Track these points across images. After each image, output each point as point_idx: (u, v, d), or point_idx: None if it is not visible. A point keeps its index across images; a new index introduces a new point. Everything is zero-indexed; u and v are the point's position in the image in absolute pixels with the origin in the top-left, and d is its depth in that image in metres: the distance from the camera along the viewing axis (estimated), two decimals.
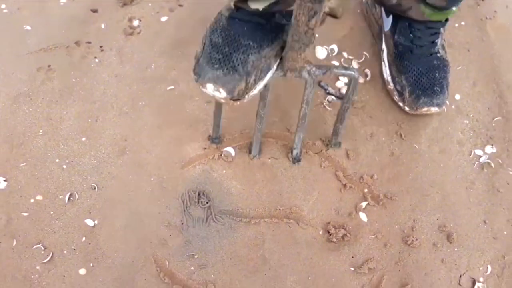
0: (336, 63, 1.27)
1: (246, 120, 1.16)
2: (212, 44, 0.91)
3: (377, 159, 1.14)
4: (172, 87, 1.21)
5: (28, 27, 1.30)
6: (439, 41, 1.19)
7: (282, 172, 1.11)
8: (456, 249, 1.05)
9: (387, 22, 1.24)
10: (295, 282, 1.00)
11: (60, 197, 1.06)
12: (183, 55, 1.27)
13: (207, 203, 1.05)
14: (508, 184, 1.13)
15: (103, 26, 1.32)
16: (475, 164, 1.15)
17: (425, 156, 1.15)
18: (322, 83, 1.22)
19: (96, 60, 1.25)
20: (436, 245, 1.05)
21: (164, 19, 1.34)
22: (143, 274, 0.98)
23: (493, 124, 1.21)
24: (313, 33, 0.82)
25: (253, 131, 1.08)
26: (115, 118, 1.16)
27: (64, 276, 0.98)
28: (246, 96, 0.91)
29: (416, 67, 1.17)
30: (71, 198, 1.06)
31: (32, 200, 1.05)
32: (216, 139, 1.12)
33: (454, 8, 1.11)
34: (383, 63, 1.24)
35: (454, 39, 1.34)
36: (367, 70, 1.26)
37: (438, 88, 1.14)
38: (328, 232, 1.04)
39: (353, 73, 0.98)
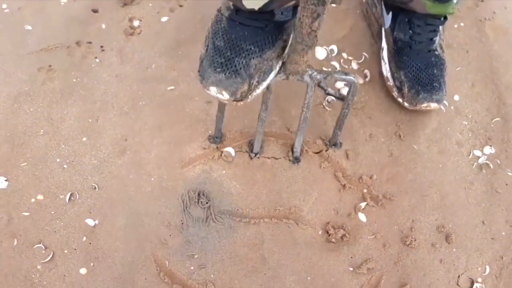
0: (335, 63, 1.28)
1: (246, 120, 1.17)
2: (215, 47, 0.94)
3: (376, 159, 1.15)
4: (172, 87, 1.22)
5: (29, 27, 1.30)
6: (437, 39, 1.19)
7: (281, 173, 1.11)
8: (454, 250, 1.05)
9: (387, 19, 1.24)
10: (294, 282, 1.00)
11: (61, 196, 1.06)
12: (184, 55, 1.27)
13: (206, 203, 1.06)
14: (506, 185, 1.13)
15: (103, 26, 1.32)
16: (474, 165, 1.16)
17: (424, 156, 1.16)
18: (322, 84, 1.23)
19: (97, 60, 1.26)
20: (435, 245, 1.05)
21: (164, 19, 1.34)
22: (143, 274, 0.99)
23: (492, 125, 1.21)
24: (316, 35, 0.84)
25: (253, 130, 1.09)
26: (115, 118, 1.17)
27: (64, 275, 0.98)
28: (250, 97, 0.94)
29: (415, 62, 1.17)
30: (72, 198, 1.06)
31: (33, 200, 1.06)
32: (217, 138, 1.12)
33: (454, 1, 1.11)
34: (382, 61, 1.25)
35: (453, 40, 1.34)
36: (366, 71, 1.27)
37: (437, 84, 1.14)
38: (327, 233, 1.05)
39: (352, 78, 1.00)
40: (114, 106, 1.18)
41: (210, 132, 1.14)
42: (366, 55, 1.30)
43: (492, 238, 1.07)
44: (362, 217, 1.08)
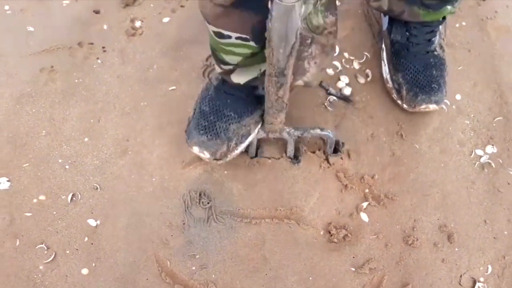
0: (337, 63, 1.27)
1: None
2: (201, 111, 1.07)
3: (378, 159, 1.15)
4: (174, 87, 1.22)
5: (31, 28, 1.31)
6: (436, 39, 1.19)
7: (282, 173, 1.11)
8: (456, 249, 1.05)
9: (385, 21, 1.24)
10: (296, 282, 1.00)
11: (63, 197, 1.07)
12: (185, 56, 1.27)
13: (208, 203, 1.06)
14: (508, 184, 1.13)
15: (105, 27, 1.32)
16: (476, 164, 1.15)
17: (425, 156, 1.15)
18: (323, 84, 1.23)
19: (99, 61, 1.26)
20: (437, 245, 1.05)
21: (166, 20, 1.34)
22: (144, 274, 0.99)
23: (494, 124, 1.21)
24: (283, 101, 0.94)
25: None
26: (117, 119, 1.17)
27: (66, 275, 0.99)
28: (228, 156, 1.05)
29: (412, 64, 1.17)
30: (74, 198, 1.07)
31: (35, 200, 1.06)
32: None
33: (449, 7, 1.11)
34: (382, 62, 1.25)
35: (455, 39, 1.34)
36: (368, 71, 1.27)
37: (435, 86, 1.14)
38: (329, 233, 1.05)
39: (328, 133, 1.10)
40: (115, 107, 1.19)
41: None
42: (368, 55, 1.30)
43: (494, 238, 1.07)
44: (364, 217, 1.08)
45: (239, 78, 1.02)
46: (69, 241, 1.02)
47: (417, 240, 1.05)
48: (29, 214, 1.05)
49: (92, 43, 1.29)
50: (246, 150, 1.13)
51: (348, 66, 1.28)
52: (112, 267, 1.00)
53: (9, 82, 1.21)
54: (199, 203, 1.06)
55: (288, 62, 0.82)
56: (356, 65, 1.28)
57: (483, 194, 1.12)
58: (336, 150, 1.15)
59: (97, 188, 1.08)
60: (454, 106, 1.23)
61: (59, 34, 1.30)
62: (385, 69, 1.23)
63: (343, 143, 1.15)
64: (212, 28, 0.88)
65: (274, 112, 0.99)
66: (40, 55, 1.26)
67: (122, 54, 1.27)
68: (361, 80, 1.25)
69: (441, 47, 1.21)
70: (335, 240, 1.04)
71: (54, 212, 1.05)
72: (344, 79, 1.25)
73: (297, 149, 1.13)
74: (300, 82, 0.91)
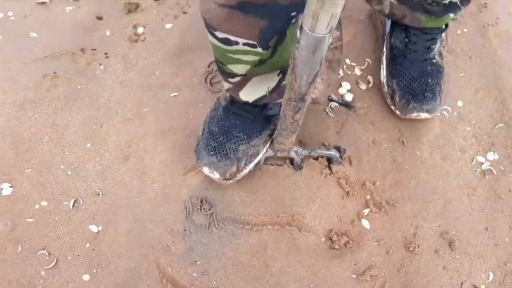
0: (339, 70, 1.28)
1: None
2: (210, 132, 1.08)
3: (379, 166, 1.15)
4: (176, 93, 1.22)
5: (34, 34, 1.31)
6: (436, 47, 1.19)
7: (284, 179, 1.11)
8: (458, 256, 1.05)
9: (387, 24, 1.24)
10: None
11: (65, 203, 1.07)
12: (187, 62, 1.27)
13: (209, 209, 1.06)
14: (510, 191, 1.13)
15: (108, 33, 1.33)
16: (477, 171, 1.15)
17: (427, 162, 1.16)
18: None
19: (101, 67, 1.26)
20: (438, 252, 1.05)
21: (168, 26, 1.35)
22: (145, 280, 0.99)
23: (495, 131, 1.21)
24: (298, 124, 0.95)
25: None
26: (119, 125, 1.18)
27: (68, 282, 0.99)
28: (238, 176, 1.07)
29: (408, 72, 1.17)
30: (76, 204, 1.07)
31: (37, 206, 1.07)
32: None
33: (451, 15, 1.11)
34: (381, 65, 1.25)
35: (456, 46, 1.34)
36: (369, 77, 1.27)
37: (429, 94, 1.15)
38: (331, 239, 1.05)
39: (333, 153, 1.13)
40: (118, 113, 1.19)
41: None
42: (369, 61, 1.30)
43: (495, 245, 1.07)
44: (365, 223, 1.08)
45: (248, 96, 1.02)
46: (70, 247, 1.02)
47: (419, 247, 1.05)
48: (31, 220, 1.05)
49: (94, 49, 1.29)
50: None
51: (349, 73, 1.28)
52: (113, 273, 1.00)
53: (12, 88, 1.22)
54: (201, 209, 1.06)
55: (309, 89, 0.82)
56: (357, 71, 1.29)
57: (484, 201, 1.12)
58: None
59: (99, 194, 1.08)
60: (455, 113, 1.23)
61: (62, 40, 1.31)
62: (383, 72, 1.24)
63: (344, 150, 1.15)
64: (218, 35, 0.86)
65: (287, 134, 1.00)
66: (43, 61, 1.26)
67: (124, 60, 1.28)
68: (363, 86, 1.26)
69: (440, 54, 1.21)
70: (337, 247, 1.04)
71: (56, 218, 1.05)
72: (345, 85, 1.25)
73: (305, 160, 1.14)
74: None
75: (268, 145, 1.10)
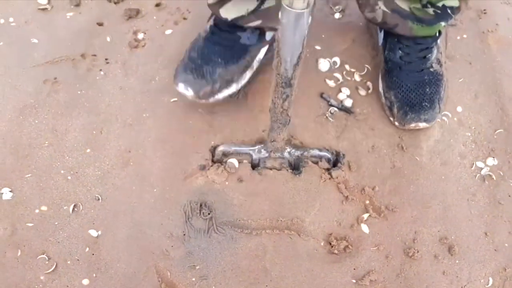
0: (338, 75, 1.28)
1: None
2: (189, 57, 1.16)
3: (379, 171, 1.15)
4: (176, 99, 1.23)
5: (35, 40, 1.32)
6: (433, 55, 1.19)
7: (284, 184, 1.11)
8: (457, 261, 1.05)
9: (380, 36, 1.25)
10: None
11: (65, 207, 1.07)
12: None
13: (208, 214, 1.06)
14: (509, 196, 1.13)
15: (108, 39, 1.33)
16: (477, 176, 1.15)
17: (426, 168, 1.16)
18: (324, 95, 1.23)
19: (101, 73, 1.27)
20: (438, 257, 1.05)
21: (168, 32, 1.36)
22: (145, 285, 0.99)
23: (495, 137, 1.21)
24: (288, 114, 0.99)
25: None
26: (119, 130, 1.18)
27: (67, 286, 0.99)
28: (211, 99, 1.14)
29: (404, 83, 1.18)
30: (75, 209, 1.07)
31: (37, 211, 1.07)
32: None
33: (443, 23, 1.12)
34: (379, 76, 1.26)
35: (456, 52, 1.34)
36: (368, 83, 1.27)
37: (427, 104, 1.15)
38: (330, 244, 1.05)
39: (325, 154, 1.16)
40: (118, 118, 1.20)
41: (212, 143, 1.15)
42: (369, 67, 1.30)
43: (495, 250, 1.06)
44: (364, 228, 1.08)
45: (227, 14, 1.10)
46: (70, 251, 1.02)
47: (418, 252, 1.04)
48: (30, 225, 1.05)
49: (95, 55, 1.30)
50: (251, 164, 1.14)
51: (349, 78, 1.29)
52: (112, 277, 1.00)
53: (13, 93, 1.22)
54: (200, 214, 1.06)
55: (294, 72, 0.88)
56: (357, 77, 1.29)
57: (484, 206, 1.12)
58: (336, 163, 1.15)
59: (98, 199, 1.08)
60: (455, 118, 1.23)
61: (63, 46, 1.31)
62: (380, 84, 1.24)
63: (343, 155, 1.15)
64: None
65: (278, 126, 1.03)
66: (44, 67, 1.27)
67: (124, 66, 1.28)
68: (362, 92, 1.26)
69: (438, 62, 1.21)
70: (336, 251, 1.04)
71: (56, 223, 1.05)
72: (345, 91, 1.25)
73: (298, 160, 1.14)
74: None
75: (245, 77, 1.19)
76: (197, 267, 1.01)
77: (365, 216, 1.09)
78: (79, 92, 1.23)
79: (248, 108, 1.22)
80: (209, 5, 1.12)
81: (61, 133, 1.17)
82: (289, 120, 1.02)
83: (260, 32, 1.18)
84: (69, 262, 1.01)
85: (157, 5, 1.41)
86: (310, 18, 0.77)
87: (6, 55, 1.29)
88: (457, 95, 1.27)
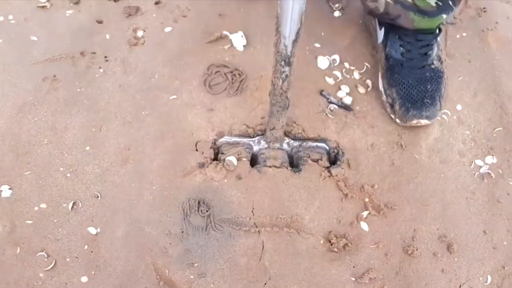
0: (337, 73, 1.28)
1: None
2: None
3: (378, 169, 1.15)
4: (175, 96, 1.23)
5: (35, 38, 1.32)
6: (433, 52, 1.19)
7: (283, 181, 1.11)
8: (456, 259, 1.05)
9: (380, 34, 1.25)
10: None
11: (64, 205, 1.07)
12: (186, 65, 1.28)
13: (206, 211, 1.06)
14: (508, 194, 1.13)
15: (108, 36, 1.33)
16: (476, 175, 1.15)
17: (425, 166, 1.16)
18: (324, 93, 1.23)
19: (101, 70, 1.27)
20: (436, 255, 1.05)
21: (168, 29, 1.35)
22: (143, 283, 0.99)
23: (494, 135, 1.21)
24: (287, 96, 1.00)
25: None
26: (118, 128, 1.18)
27: (66, 283, 0.99)
28: None
29: (406, 80, 1.18)
30: (75, 207, 1.07)
31: (36, 208, 1.07)
32: None
33: (444, 16, 1.12)
34: (379, 74, 1.25)
35: (456, 50, 1.34)
36: (368, 81, 1.27)
37: (428, 101, 1.15)
38: (329, 242, 1.05)
39: (325, 145, 1.17)
40: (117, 116, 1.19)
41: (211, 137, 1.16)
42: (368, 65, 1.30)
43: (493, 248, 1.06)
44: (364, 226, 1.08)
45: None
46: (69, 249, 1.02)
47: (417, 250, 1.04)
48: (30, 222, 1.05)
49: (94, 53, 1.30)
50: (251, 159, 1.15)
51: (348, 76, 1.29)
52: (111, 275, 1.00)
53: (12, 91, 1.22)
54: (198, 211, 1.06)
55: (293, 49, 0.89)
56: (356, 75, 1.29)
57: (482, 204, 1.12)
58: (335, 160, 1.15)
59: (97, 197, 1.08)
60: (454, 117, 1.23)
61: (62, 43, 1.31)
62: (381, 82, 1.24)
63: (343, 152, 1.15)
64: None
65: (277, 110, 1.04)
66: (43, 64, 1.27)
67: (124, 63, 1.28)
68: (362, 90, 1.26)
69: (439, 59, 1.21)
70: (335, 249, 1.04)
71: (55, 220, 1.05)
72: (344, 89, 1.25)
73: (299, 158, 1.14)
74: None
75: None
76: (195, 265, 1.01)
77: (365, 213, 1.09)
78: (78, 90, 1.23)
79: (248, 104, 1.22)
80: None
81: (60, 131, 1.17)
82: (288, 104, 1.02)
83: None
84: (68, 259, 1.01)
85: (157, 3, 1.40)
86: None
87: (6, 53, 1.29)
88: (457, 93, 1.27)
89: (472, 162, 1.17)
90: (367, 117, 1.22)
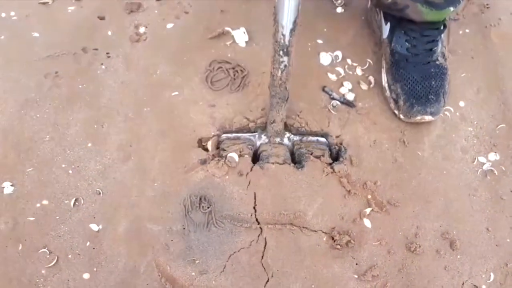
0: (340, 69, 1.28)
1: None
2: None
3: (381, 165, 1.14)
4: (177, 92, 1.22)
5: (36, 34, 1.32)
6: (438, 48, 1.19)
7: (286, 178, 1.11)
8: (459, 256, 1.04)
9: (385, 29, 1.24)
10: None
11: (66, 202, 1.07)
12: (188, 61, 1.28)
13: (208, 208, 1.06)
14: (511, 191, 1.13)
15: (109, 33, 1.33)
16: (479, 171, 1.15)
17: (428, 163, 1.15)
18: (326, 89, 1.23)
19: (103, 67, 1.27)
20: (439, 252, 1.05)
21: (170, 26, 1.35)
22: (145, 279, 0.99)
23: (497, 132, 1.20)
24: (286, 87, 1.01)
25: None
26: (120, 124, 1.18)
27: (68, 280, 0.99)
28: None
29: (411, 75, 1.17)
30: (76, 203, 1.07)
31: (38, 205, 1.07)
32: None
33: (451, 8, 1.11)
34: (382, 70, 1.25)
35: (458, 46, 1.34)
36: (370, 77, 1.27)
37: (433, 97, 1.15)
38: (333, 238, 1.05)
39: (324, 139, 1.18)
40: (119, 112, 1.19)
41: (213, 133, 1.16)
42: (371, 62, 1.30)
43: (496, 245, 1.06)
44: (367, 223, 1.07)
45: None
46: (71, 245, 1.02)
47: (420, 247, 1.04)
48: (32, 219, 1.05)
49: (96, 49, 1.30)
50: (252, 154, 1.15)
51: (351, 73, 1.28)
52: (113, 272, 1.00)
53: (14, 88, 1.22)
54: (200, 207, 1.06)
55: (291, 38, 0.90)
56: (359, 71, 1.28)
57: (485, 201, 1.11)
58: (338, 157, 1.15)
59: (99, 193, 1.08)
60: (457, 113, 1.23)
61: (64, 40, 1.31)
62: (384, 77, 1.24)
63: (345, 149, 1.15)
64: None
65: (277, 102, 1.04)
66: (45, 61, 1.27)
67: (126, 60, 1.28)
68: (364, 86, 1.25)
69: (443, 55, 1.21)
70: (338, 246, 1.04)
71: (57, 217, 1.05)
72: (347, 85, 1.25)
73: (301, 155, 1.14)
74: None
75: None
76: (197, 262, 1.01)
77: (368, 210, 1.08)
78: (80, 86, 1.23)
79: (249, 100, 1.21)
80: None
81: (62, 127, 1.16)
82: (288, 96, 1.03)
83: None
84: (70, 256, 1.01)
85: None
86: None
87: (8, 49, 1.29)
88: (460, 89, 1.26)
89: (475, 159, 1.16)
90: (369, 113, 1.22)
